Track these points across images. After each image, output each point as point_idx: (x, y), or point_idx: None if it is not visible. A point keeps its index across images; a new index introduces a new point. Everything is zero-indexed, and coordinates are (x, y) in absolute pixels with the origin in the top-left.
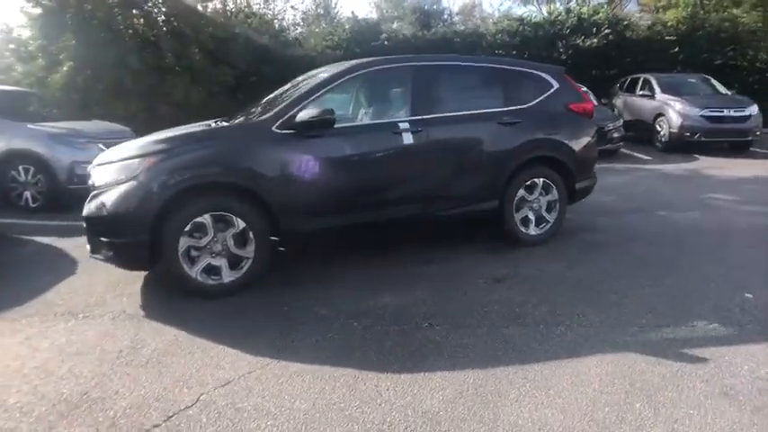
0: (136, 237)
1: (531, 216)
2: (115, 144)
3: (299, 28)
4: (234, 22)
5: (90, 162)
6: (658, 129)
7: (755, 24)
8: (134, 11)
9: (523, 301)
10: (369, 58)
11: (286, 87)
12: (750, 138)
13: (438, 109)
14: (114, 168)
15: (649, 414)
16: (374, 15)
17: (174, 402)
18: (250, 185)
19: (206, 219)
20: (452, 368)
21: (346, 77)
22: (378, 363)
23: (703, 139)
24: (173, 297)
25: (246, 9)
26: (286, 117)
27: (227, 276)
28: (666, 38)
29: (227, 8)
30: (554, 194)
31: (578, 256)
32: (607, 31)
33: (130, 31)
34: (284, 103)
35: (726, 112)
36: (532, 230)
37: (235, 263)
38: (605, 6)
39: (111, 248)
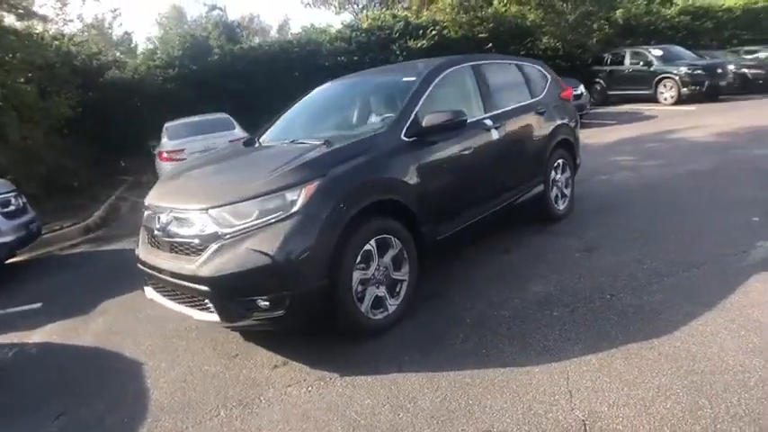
0: (315, 283)
1: (559, 194)
2: (7, 202)
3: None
4: (43, 44)
5: None
6: None
7: (539, 20)
8: None
9: (640, 259)
10: (441, 59)
11: (332, 95)
12: (584, 112)
13: (499, 104)
14: (251, 206)
15: None
16: (158, 33)
17: None
18: (402, 199)
19: (372, 245)
20: (691, 319)
21: (438, 78)
22: (637, 335)
23: None
24: (330, 345)
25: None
26: (409, 124)
27: (391, 306)
28: (480, 35)
29: (33, 31)
30: (568, 172)
31: (605, 219)
32: (434, 32)
33: None
34: (397, 113)
35: None
36: (560, 206)
37: (391, 289)
38: (414, 10)
39: (279, 306)
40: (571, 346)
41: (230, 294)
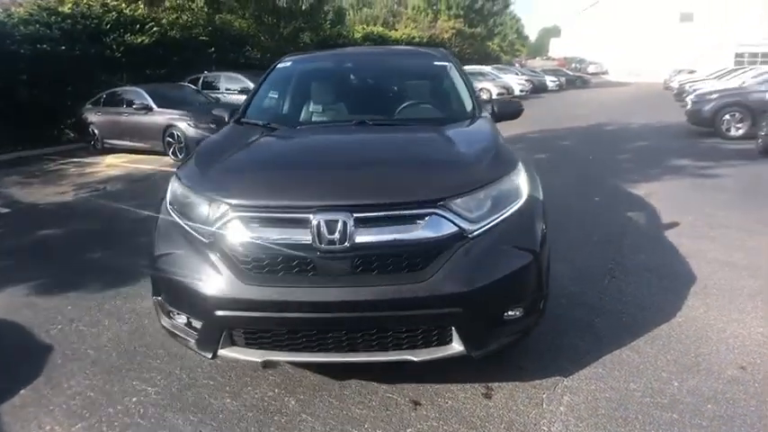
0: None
1: None
2: None
3: None
4: None
5: None
6: None
7: (252, 31)
8: None
9: (589, 234)
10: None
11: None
12: None
13: None
14: (485, 194)
15: None
16: None
17: None
18: None
19: None
20: (704, 246)
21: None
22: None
23: None
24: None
25: None
26: (485, 111)
27: None
28: (200, 38)
29: None
30: None
31: None
32: (156, 29)
33: None
34: (467, 97)
35: None
36: None
37: None
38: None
39: (534, 311)
40: (681, 287)
41: (487, 311)
